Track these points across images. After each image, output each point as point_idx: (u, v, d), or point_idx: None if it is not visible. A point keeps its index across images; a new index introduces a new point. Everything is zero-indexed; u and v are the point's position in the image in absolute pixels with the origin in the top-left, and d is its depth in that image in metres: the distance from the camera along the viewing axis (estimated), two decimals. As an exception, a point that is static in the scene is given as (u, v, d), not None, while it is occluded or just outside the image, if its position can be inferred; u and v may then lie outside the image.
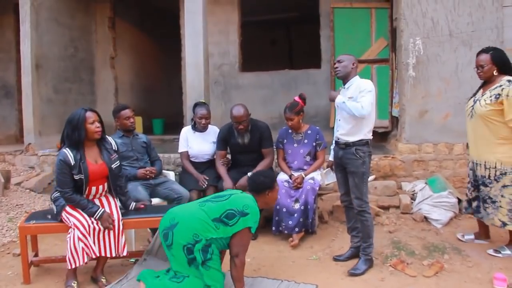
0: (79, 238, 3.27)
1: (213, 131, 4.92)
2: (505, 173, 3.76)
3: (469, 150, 4.14)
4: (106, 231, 3.38)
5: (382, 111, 6.79)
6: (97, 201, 3.50)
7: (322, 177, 4.35)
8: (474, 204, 4.10)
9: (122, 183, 3.70)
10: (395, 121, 6.68)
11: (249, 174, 4.51)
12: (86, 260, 3.31)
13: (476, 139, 3.93)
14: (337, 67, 3.73)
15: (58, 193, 3.47)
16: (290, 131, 4.70)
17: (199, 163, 4.81)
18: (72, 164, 3.32)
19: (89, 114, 3.41)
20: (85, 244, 3.29)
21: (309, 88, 7.95)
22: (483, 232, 4.25)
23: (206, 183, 4.54)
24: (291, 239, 4.33)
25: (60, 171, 3.34)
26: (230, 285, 3.17)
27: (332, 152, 4.05)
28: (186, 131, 4.89)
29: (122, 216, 3.53)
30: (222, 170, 4.69)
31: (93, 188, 3.47)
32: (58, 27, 7.72)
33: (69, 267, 3.32)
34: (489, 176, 3.84)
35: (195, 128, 4.86)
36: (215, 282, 3.01)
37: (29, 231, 3.59)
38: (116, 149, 3.67)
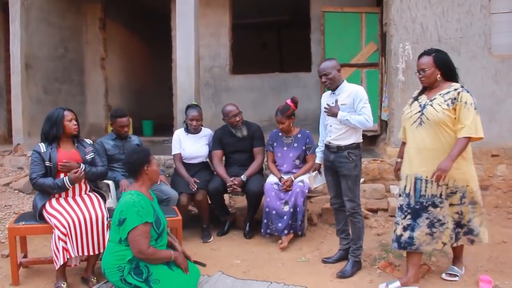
0: (59, 238, 3.33)
1: (206, 133, 4.94)
2: (456, 192, 3.34)
3: (407, 166, 3.47)
4: (89, 230, 3.40)
5: (372, 115, 6.82)
6: (78, 199, 3.56)
7: (310, 180, 4.38)
8: (406, 234, 3.38)
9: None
10: (384, 125, 6.74)
11: (243, 177, 4.58)
12: (67, 259, 3.37)
13: (423, 151, 3.34)
14: (325, 81, 3.73)
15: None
16: (280, 134, 4.73)
17: (192, 165, 4.82)
18: (43, 151, 3.53)
19: (67, 112, 3.63)
20: (65, 243, 3.34)
21: (299, 91, 7.97)
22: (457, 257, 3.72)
23: (196, 186, 4.56)
24: (280, 241, 4.35)
25: (33, 161, 3.56)
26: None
27: (319, 155, 4.09)
28: (179, 133, 4.91)
29: (110, 217, 3.54)
30: (220, 169, 4.74)
31: (62, 176, 3.54)
32: (48, 27, 7.69)
33: (56, 268, 3.37)
34: (440, 195, 3.33)
35: (187, 130, 4.88)
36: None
37: (19, 232, 3.59)
38: (91, 145, 3.85)
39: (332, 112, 3.69)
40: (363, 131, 3.80)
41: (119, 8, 10.29)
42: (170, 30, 8.60)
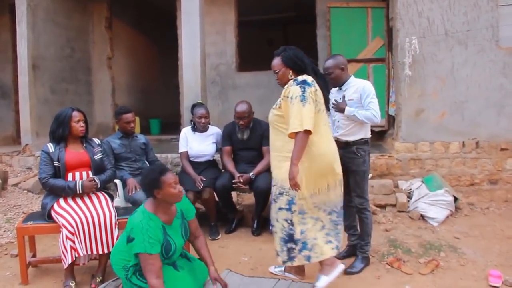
0: (66, 237, 3.34)
1: (213, 131, 4.94)
2: (283, 193, 3.17)
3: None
4: (97, 229, 3.40)
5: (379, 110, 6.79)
6: (86, 199, 3.56)
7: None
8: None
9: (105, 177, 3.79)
10: (391, 120, 6.70)
11: (252, 174, 4.57)
12: (75, 258, 3.38)
13: (272, 153, 3.35)
14: (330, 79, 3.71)
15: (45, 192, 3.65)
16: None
17: (198, 163, 4.82)
18: (51, 151, 3.55)
19: (75, 113, 3.63)
20: (73, 242, 3.35)
21: (306, 87, 7.95)
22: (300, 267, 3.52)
23: (202, 184, 4.56)
24: (288, 238, 4.33)
25: (42, 161, 3.58)
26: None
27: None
28: (186, 132, 4.91)
29: (119, 215, 3.56)
30: (229, 164, 4.75)
31: (71, 175, 3.56)
32: (55, 27, 7.72)
33: (64, 267, 3.39)
34: (274, 195, 3.27)
35: (194, 128, 4.88)
36: None
37: (27, 232, 3.61)
38: (99, 144, 3.85)
39: (340, 108, 3.67)
40: (371, 126, 3.78)
41: (125, 7, 10.32)
42: (176, 28, 8.61)
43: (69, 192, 3.50)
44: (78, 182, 3.51)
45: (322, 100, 3.19)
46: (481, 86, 5.56)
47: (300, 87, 3.06)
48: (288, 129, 3.05)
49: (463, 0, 5.57)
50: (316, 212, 3.20)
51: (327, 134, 3.25)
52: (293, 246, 3.18)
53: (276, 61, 3.27)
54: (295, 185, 2.99)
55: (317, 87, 3.16)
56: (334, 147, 3.29)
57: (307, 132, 2.98)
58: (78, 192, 3.51)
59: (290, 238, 3.18)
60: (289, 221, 3.17)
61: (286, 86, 3.17)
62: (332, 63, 3.68)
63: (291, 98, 3.04)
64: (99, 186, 3.62)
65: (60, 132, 3.58)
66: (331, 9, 7.12)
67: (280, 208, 3.19)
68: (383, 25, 6.91)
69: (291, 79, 3.19)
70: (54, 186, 3.49)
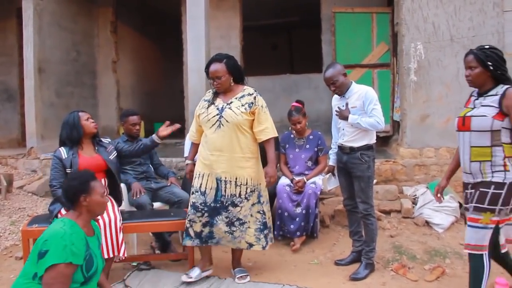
0: None
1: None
2: (254, 190, 3.52)
3: (205, 166, 3.52)
4: (103, 233, 3.37)
5: (384, 115, 6.77)
6: None
7: (323, 183, 4.35)
8: (206, 230, 3.50)
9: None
10: (396, 125, 6.69)
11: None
12: None
13: (222, 152, 3.44)
14: (334, 90, 3.73)
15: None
16: (292, 136, 4.72)
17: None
18: (64, 157, 3.49)
19: (81, 113, 3.64)
20: None
21: (310, 92, 7.97)
22: (208, 259, 3.72)
23: None
24: (292, 243, 4.34)
25: (53, 166, 3.53)
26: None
27: (332, 157, 4.06)
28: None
29: (123, 220, 3.56)
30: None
31: None
32: (61, 31, 7.76)
33: None
34: (239, 194, 3.47)
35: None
36: None
37: (32, 234, 3.60)
38: (111, 142, 3.88)
39: (343, 116, 3.68)
40: (376, 132, 3.77)
41: (130, 11, 10.36)
42: (181, 33, 8.63)
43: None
44: None
45: None
46: (487, 92, 5.54)
47: (261, 97, 3.56)
48: (251, 132, 3.50)
49: (469, 5, 5.56)
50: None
51: None
52: (268, 232, 3.64)
53: (220, 67, 3.47)
54: (274, 181, 3.59)
55: None
56: None
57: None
58: None
59: (264, 226, 3.60)
60: (261, 212, 3.58)
61: (249, 94, 3.54)
62: (333, 72, 3.67)
63: (262, 106, 3.51)
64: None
65: (76, 135, 3.53)
66: (336, 14, 7.12)
67: (254, 204, 3.54)
68: (388, 31, 6.92)
69: (232, 85, 3.53)
70: (60, 199, 3.41)
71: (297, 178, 4.51)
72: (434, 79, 5.64)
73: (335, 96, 3.88)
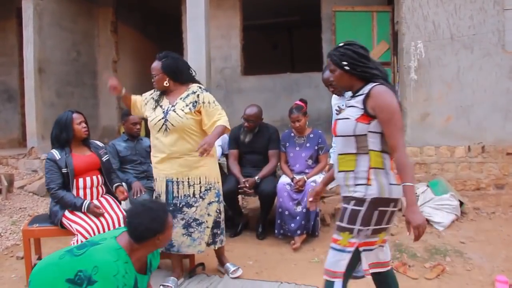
0: (81, 242, 3.28)
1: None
2: (210, 188, 3.46)
3: (157, 169, 3.50)
4: (108, 231, 3.38)
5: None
6: (96, 202, 3.50)
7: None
8: None
9: (114, 177, 3.78)
10: (396, 124, 6.68)
11: (257, 178, 4.56)
12: None
13: (173, 155, 3.39)
14: (333, 90, 3.74)
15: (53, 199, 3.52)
16: (292, 134, 4.72)
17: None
18: (58, 158, 3.44)
19: (75, 115, 3.56)
20: None
21: (311, 91, 7.96)
22: (180, 267, 3.64)
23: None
24: (293, 241, 4.34)
25: (48, 169, 3.47)
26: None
27: (333, 156, 4.06)
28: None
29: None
30: (235, 169, 4.74)
31: (81, 180, 3.49)
32: (61, 31, 7.77)
33: None
34: (193, 194, 3.41)
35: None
36: None
37: (33, 234, 3.61)
38: (103, 147, 3.81)
39: None
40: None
41: (131, 11, 10.36)
42: (181, 32, 8.64)
43: (74, 208, 3.41)
44: (85, 203, 3.39)
45: None
46: (487, 90, 5.54)
47: (209, 92, 3.51)
48: (201, 131, 3.41)
49: (469, 4, 5.55)
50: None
51: None
52: (218, 231, 3.57)
53: (156, 65, 3.47)
54: (207, 151, 3.30)
55: None
56: None
57: (227, 131, 3.56)
58: (82, 211, 3.40)
59: (216, 225, 3.55)
60: (218, 211, 3.56)
61: (193, 92, 3.43)
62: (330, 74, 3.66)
63: (209, 102, 3.40)
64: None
65: (65, 136, 3.49)
66: (336, 13, 7.12)
67: (210, 203, 3.48)
68: (388, 29, 6.91)
69: (168, 85, 3.45)
70: (63, 200, 3.40)
71: (297, 177, 4.51)
72: (434, 77, 5.64)
73: (334, 95, 3.88)
